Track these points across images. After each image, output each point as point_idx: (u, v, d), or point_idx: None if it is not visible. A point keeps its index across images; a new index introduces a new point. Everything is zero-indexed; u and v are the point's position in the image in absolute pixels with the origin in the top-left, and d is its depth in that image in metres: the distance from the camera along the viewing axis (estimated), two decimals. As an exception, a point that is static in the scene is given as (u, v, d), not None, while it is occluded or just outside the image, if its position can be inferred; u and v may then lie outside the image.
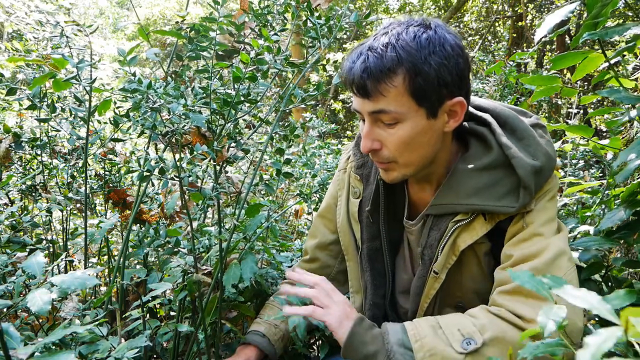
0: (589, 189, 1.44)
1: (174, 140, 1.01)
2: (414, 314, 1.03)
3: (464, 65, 0.87)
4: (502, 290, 0.86)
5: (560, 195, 1.66)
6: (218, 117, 1.10)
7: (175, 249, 1.04)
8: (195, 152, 0.94)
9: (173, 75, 1.11)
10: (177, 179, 0.96)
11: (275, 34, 1.07)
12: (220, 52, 1.09)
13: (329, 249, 1.20)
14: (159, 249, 1.07)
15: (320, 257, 1.21)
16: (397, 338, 0.82)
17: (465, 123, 0.97)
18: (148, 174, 0.92)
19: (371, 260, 1.07)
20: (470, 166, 0.92)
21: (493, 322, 0.81)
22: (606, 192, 1.34)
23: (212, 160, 1.03)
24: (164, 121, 0.93)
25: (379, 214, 1.05)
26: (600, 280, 1.18)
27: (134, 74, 0.92)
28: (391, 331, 0.84)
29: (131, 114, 0.99)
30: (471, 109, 0.98)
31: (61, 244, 1.65)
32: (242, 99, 1.03)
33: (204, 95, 1.01)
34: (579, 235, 1.27)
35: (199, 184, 1.10)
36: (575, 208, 1.83)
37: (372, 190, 1.04)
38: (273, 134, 1.20)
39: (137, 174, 0.92)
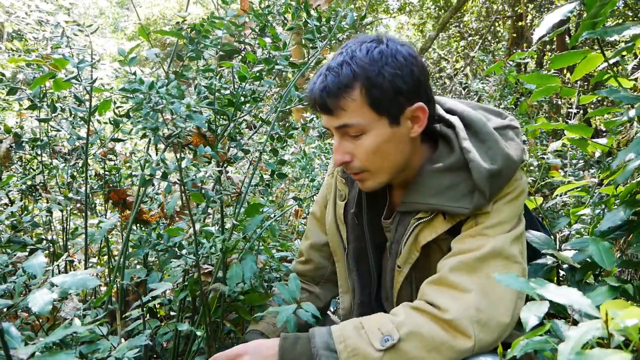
0: (580, 188, 1.45)
1: (175, 141, 1.01)
2: (392, 306, 1.06)
3: (419, 72, 0.91)
4: (429, 280, 0.91)
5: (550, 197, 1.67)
6: (221, 117, 1.10)
7: (178, 253, 1.04)
8: (198, 154, 0.95)
9: (174, 75, 1.11)
10: (180, 182, 0.96)
11: (279, 34, 1.07)
12: (221, 52, 1.09)
13: (323, 250, 1.23)
14: (160, 251, 1.07)
15: (314, 259, 1.24)
16: (323, 341, 0.85)
17: (436, 125, 1.01)
18: (150, 177, 0.93)
19: (357, 261, 1.11)
20: (433, 167, 0.96)
21: (410, 317, 0.85)
22: (596, 190, 1.34)
23: (213, 161, 1.03)
24: (166, 122, 0.93)
25: (362, 216, 1.09)
26: (594, 282, 1.18)
27: (134, 74, 0.92)
28: (317, 335, 0.87)
29: (132, 114, 0.99)
30: (441, 111, 1.02)
31: (61, 244, 1.65)
32: (247, 98, 1.03)
33: (207, 94, 1.01)
34: (573, 233, 1.27)
35: (200, 185, 1.10)
36: (558, 207, 1.84)
37: (356, 193, 1.08)
38: (273, 134, 1.20)
39: (139, 176, 0.92)
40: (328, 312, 1.31)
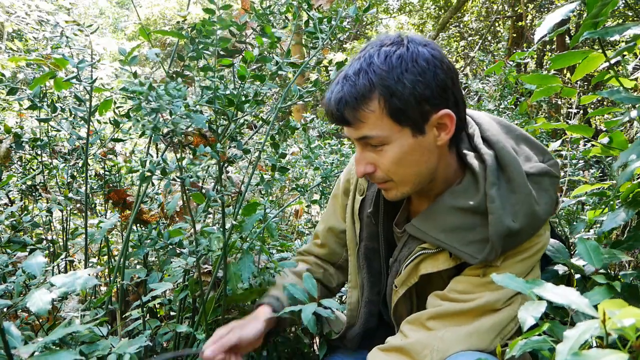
0: (594, 191, 1.43)
1: (175, 140, 1.01)
2: (390, 317, 1.08)
3: (445, 76, 0.84)
4: (409, 320, 0.93)
5: (561, 195, 1.66)
6: (221, 117, 1.10)
7: (178, 252, 1.04)
8: (198, 154, 0.94)
9: (174, 75, 1.11)
10: (179, 180, 0.96)
11: (277, 33, 1.07)
12: (221, 52, 1.09)
13: (339, 237, 1.20)
14: (160, 250, 1.06)
15: (329, 244, 1.22)
16: None
17: (468, 153, 0.93)
18: (149, 174, 0.92)
19: (368, 259, 1.09)
20: (452, 202, 0.91)
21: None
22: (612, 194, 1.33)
23: (213, 161, 1.02)
24: (165, 121, 0.93)
25: (379, 216, 1.06)
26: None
27: (134, 74, 0.92)
28: None
29: (132, 114, 0.98)
30: (477, 140, 0.93)
31: (61, 244, 1.65)
32: (249, 99, 1.03)
33: (209, 92, 1.01)
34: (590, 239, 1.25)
35: (200, 184, 1.10)
36: (575, 208, 1.83)
37: (375, 191, 1.04)
38: (272, 134, 1.20)
39: (138, 174, 0.91)
40: (335, 310, 1.31)
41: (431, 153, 0.89)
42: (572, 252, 1.32)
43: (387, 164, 0.87)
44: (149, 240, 1.04)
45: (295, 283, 1.07)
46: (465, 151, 0.93)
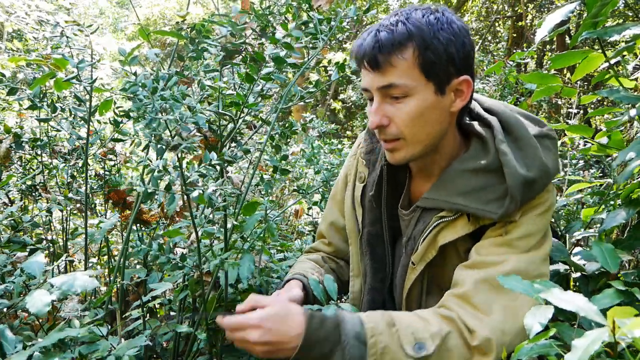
0: (590, 190, 1.43)
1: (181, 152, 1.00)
2: (400, 302, 1.05)
3: (470, 47, 0.90)
4: (454, 294, 0.88)
5: (561, 195, 1.66)
6: (222, 118, 1.10)
7: (180, 265, 1.03)
8: (204, 161, 0.93)
9: (174, 75, 1.11)
10: (182, 191, 0.96)
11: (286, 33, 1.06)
12: (221, 52, 1.09)
13: (341, 233, 1.21)
14: (162, 264, 1.06)
15: (334, 241, 1.23)
16: (355, 331, 0.82)
17: (472, 122, 0.98)
18: (153, 191, 0.91)
19: (371, 245, 1.09)
20: (464, 166, 0.93)
21: (443, 331, 0.83)
22: (611, 192, 1.33)
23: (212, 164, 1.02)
24: (169, 128, 0.92)
25: (381, 199, 1.07)
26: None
27: (134, 74, 0.92)
28: (348, 322, 0.83)
29: (133, 121, 0.98)
30: (479, 109, 1.00)
31: (61, 244, 1.65)
32: (256, 101, 1.02)
33: (210, 93, 1.01)
34: (590, 238, 1.24)
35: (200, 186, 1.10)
36: (575, 208, 1.82)
37: (377, 175, 1.06)
38: (273, 134, 1.20)
39: (139, 188, 0.90)
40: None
41: (445, 117, 0.92)
42: (570, 250, 1.32)
43: (405, 118, 0.89)
44: (147, 254, 1.03)
45: (313, 269, 1.10)
46: (469, 122, 0.98)
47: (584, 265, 1.10)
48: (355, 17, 1.10)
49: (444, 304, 0.89)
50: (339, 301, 1.00)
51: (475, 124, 0.97)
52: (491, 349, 0.80)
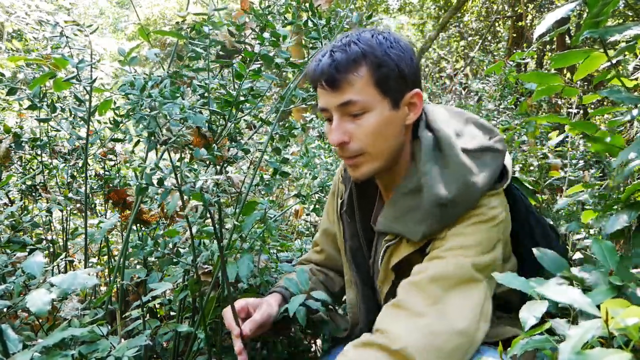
0: (590, 191, 1.42)
1: (173, 146, 1.01)
2: None
3: (417, 62, 0.95)
4: (388, 303, 0.90)
5: (560, 196, 1.65)
6: (219, 117, 1.10)
7: (175, 260, 1.04)
8: (195, 157, 0.94)
9: (172, 76, 1.11)
10: (176, 188, 0.96)
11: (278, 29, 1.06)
12: (220, 52, 1.09)
13: (334, 241, 1.24)
14: (158, 259, 1.06)
15: (326, 249, 1.27)
16: None
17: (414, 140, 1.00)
18: (146, 186, 0.92)
19: (354, 257, 1.12)
20: (399, 188, 0.97)
21: (359, 357, 0.82)
22: (610, 194, 1.32)
23: (211, 163, 1.02)
24: (160, 126, 0.93)
25: (354, 215, 1.10)
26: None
27: (134, 74, 0.92)
28: None
29: (127, 118, 0.98)
30: (421, 128, 0.99)
31: (61, 244, 1.65)
32: (247, 98, 1.03)
33: (204, 93, 1.01)
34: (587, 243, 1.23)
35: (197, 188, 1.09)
36: (575, 208, 1.82)
37: (349, 192, 1.10)
38: (273, 134, 1.20)
39: (135, 186, 0.91)
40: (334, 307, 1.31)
41: (401, 130, 0.95)
42: (571, 254, 1.31)
43: (365, 133, 0.92)
44: (144, 250, 1.05)
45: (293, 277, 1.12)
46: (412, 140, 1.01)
47: (587, 279, 1.06)
48: (357, 23, 1.11)
49: (379, 316, 0.90)
50: (331, 310, 1.03)
51: (415, 142, 0.98)
52: (416, 356, 0.78)
